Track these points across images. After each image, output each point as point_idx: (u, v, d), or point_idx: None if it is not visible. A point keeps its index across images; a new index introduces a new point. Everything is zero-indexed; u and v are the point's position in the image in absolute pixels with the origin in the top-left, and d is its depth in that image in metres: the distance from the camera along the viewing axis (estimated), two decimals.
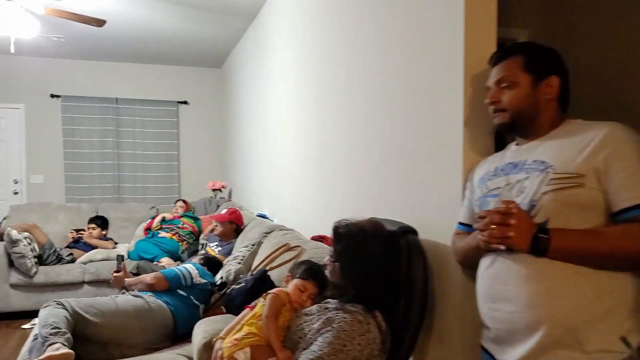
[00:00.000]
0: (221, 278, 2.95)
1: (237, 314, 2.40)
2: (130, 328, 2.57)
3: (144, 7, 4.58)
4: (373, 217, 1.93)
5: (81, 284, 4.47)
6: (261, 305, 1.82)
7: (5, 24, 3.68)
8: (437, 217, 1.88)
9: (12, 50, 3.86)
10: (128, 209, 5.34)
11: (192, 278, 2.87)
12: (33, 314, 4.55)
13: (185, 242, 4.80)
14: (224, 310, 2.68)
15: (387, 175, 2.24)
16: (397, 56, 2.15)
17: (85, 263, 4.55)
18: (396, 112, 2.15)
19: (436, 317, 1.85)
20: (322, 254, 2.35)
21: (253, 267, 2.75)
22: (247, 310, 1.90)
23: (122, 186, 7.00)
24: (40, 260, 4.44)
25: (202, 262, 3.13)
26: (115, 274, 2.94)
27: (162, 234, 4.80)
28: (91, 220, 4.93)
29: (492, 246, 1.32)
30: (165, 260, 4.46)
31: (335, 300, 1.71)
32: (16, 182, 6.77)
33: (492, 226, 1.29)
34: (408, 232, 1.84)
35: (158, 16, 4.84)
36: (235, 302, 2.38)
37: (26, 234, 4.36)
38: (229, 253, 3.67)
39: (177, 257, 4.64)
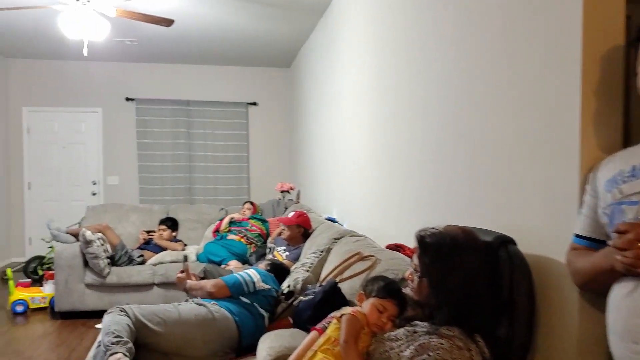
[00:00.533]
0: (288, 286, 2.75)
1: (305, 329, 2.19)
2: (192, 338, 2.44)
3: (211, 6, 4.52)
4: (459, 224, 1.64)
5: (151, 285, 4.47)
6: (335, 327, 1.58)
7: (78, 28, 3.71)
8: (541, 226, 1.56)
9: (85, 53, 3.92)
10: (198, 210, 5.32)
11: (254, 283, 2.71)
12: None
13: (253, 244, 4.68)
14: (291, 321, 2.49)
15: (476, 176, 1.94)
16: (489, 40, 1.84)
17: (155, 265, 4.55)
18: (490, 103, 1.84)
19: (544, 346, 1.53)
20: (400, 266, 2.09)
21: (322, 277, 2.53)
22: (314, 333, 1.67)
23: (194, 187, 7.08)
24: (113, 261, 4.48)
25: (268, 268, 2.96)
26: (179, 275, 2.83)
27: (231, 236, 4.71)
28: (161, 222, 4.94)
29: None
30: (234, 264, 4.36)
31: (425, 323, 1.44)
32: (94, 184, 7.03)
33: None
34: (507, 242, 1.54)
35: (226, 15, 4.77)
36: (304, 316, 2.16)
37: (99, 234, 4.42)
38: (297, 258, 3.48)
39: (245, 260, 4.53)
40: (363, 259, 2.27)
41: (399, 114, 2.77)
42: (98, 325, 4.32)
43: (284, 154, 7.31)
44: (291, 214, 3.72)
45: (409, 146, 2.62)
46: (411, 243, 2.47)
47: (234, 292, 2.68)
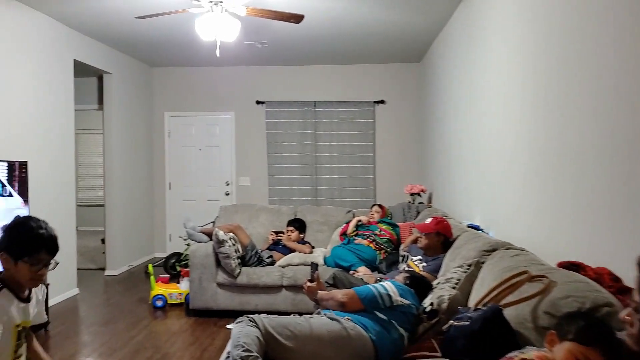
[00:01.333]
0: (431, 304, 2.39)
1: None
2: (324, 357, 2.20)
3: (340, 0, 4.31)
4: None
5: (279, 287, 4.38)
6: None
7: (211, 29, 3.72)
8: None
9: (218, 54, 3.93)
10: (325, 212, 5.16)
11: (390, 297, 2.40)
12: (237, 313, 4.63)
13: (382, 250, 4.37)
14: (436, 346, 2.13)
15: None
16: None
17: (283, 266, 4.46)
18: None
19: None
20: (585, 293, 1.63)
21: (474, 298, 2.12)
22: None
23: (320, 189, 7.00)
24: (243, 261, 4.48)
25: (407, 281, 2.63)
26: (308, 284, 2.62)
27: (358, 240, 4.46)
28: (289, 223, 4.86)
29: None
30: (362, 270, 4.10)
31: None
32: (227, 184, 7.27)
33: None
34: None
35: (354, 7, 4.53)
36: (457, 346, 1.80)
37: (231, 234, 4.44)
38: (436, 270, 3.10)
39: (374, 267, 4.25)
40: (532, 279, 1.83)
41: (565, 108, 2.27)
42: (229, 326, 4.35)
43: (412, 154, 6.91)
44: (429, 220, 3.34)
45: (585, 141, 2.11)
46: (592, 261, 1.98)
47: (367, 305, 2.40)
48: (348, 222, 4.78)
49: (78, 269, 5.56)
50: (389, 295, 2.38)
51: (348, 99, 6.95)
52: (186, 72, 7.24)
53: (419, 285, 2.57)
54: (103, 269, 6.35)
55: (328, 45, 5.89)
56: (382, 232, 4.48)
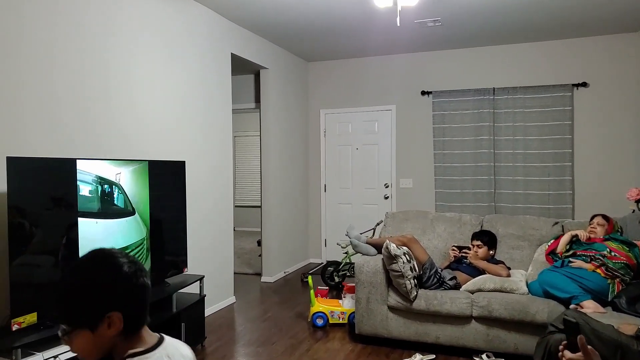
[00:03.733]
0: None
1: None
2: None
3: None
4: None
5: (468, 318, 3.47)
6: None
7: None
8: None
9: (398, 24, 3.15)
10: (522, 223, 4.06)
11: None
12: (412, 345, 3.82)
13: (617, 279, 3.20)
14: None
15: None
16: None
17: (472, 292, 3.54)
18: None
19: None
20: None
21: None
22: None
23: (499, 193, 5.86)
24: (419, 282, 3.66)
25: None
26: (568, 355, 1.68)
27: (577, 263, 3.34)
28: (475, 236, 3.89)
29: None
30: (591, 305, 3.01)
31: None
32: (386, 187, 6.52)
33: None
34: None
35: None
36: None
37: (405, 248, 3.65)
38: None
39: (605, 302, 3.12)
40: None
41: None
42: None
43: (628, 150, 5.42)
44: None
45: None
46: None
47: None
48: (557, 238, 3.67)
49: (235, 273, 5.27)
50: None
51: (537, 83, 5.71)
52: (343, 65, 6.65)
53: None
54: (259, 274, 6.03)
55: (514, 19, 4.79)
56: (612, 254, 3.30)
